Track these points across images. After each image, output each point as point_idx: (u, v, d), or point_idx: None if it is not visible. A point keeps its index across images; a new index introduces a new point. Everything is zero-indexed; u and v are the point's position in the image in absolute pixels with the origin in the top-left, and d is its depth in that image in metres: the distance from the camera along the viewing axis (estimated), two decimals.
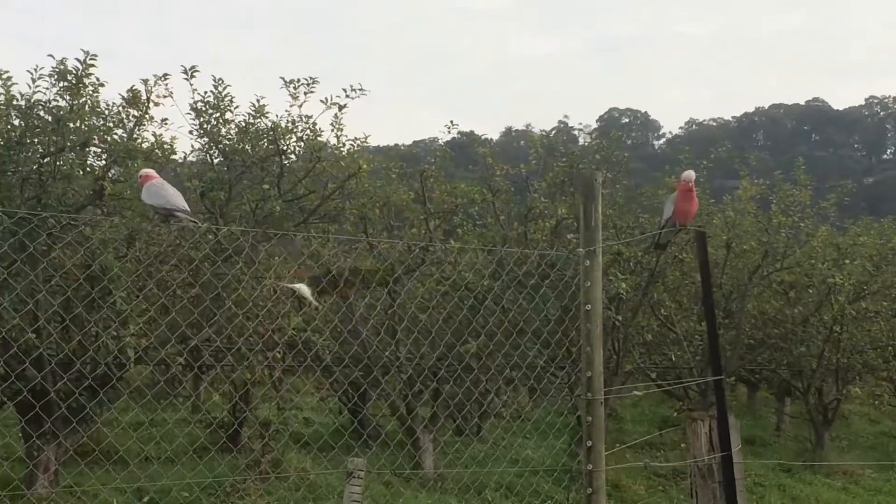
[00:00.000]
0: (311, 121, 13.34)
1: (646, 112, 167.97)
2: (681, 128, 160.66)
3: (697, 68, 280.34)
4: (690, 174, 7.58)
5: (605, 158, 16.21)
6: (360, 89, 13.17)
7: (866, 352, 19.72)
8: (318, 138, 13.63)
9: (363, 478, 6.40)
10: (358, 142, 14.29)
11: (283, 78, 12.90)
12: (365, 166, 13.60)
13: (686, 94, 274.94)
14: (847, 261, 18.58)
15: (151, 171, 8.05)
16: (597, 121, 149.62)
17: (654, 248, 13.38)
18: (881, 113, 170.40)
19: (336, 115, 13.31)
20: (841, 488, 16.78)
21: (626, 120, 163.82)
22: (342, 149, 14.04)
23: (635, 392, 7.20)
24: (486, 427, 17.80)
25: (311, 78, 13.05)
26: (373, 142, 15.44)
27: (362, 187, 14.10)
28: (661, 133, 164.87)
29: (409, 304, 14.16)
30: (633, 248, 15.91)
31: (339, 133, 13.73)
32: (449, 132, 16.46)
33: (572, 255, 8.47)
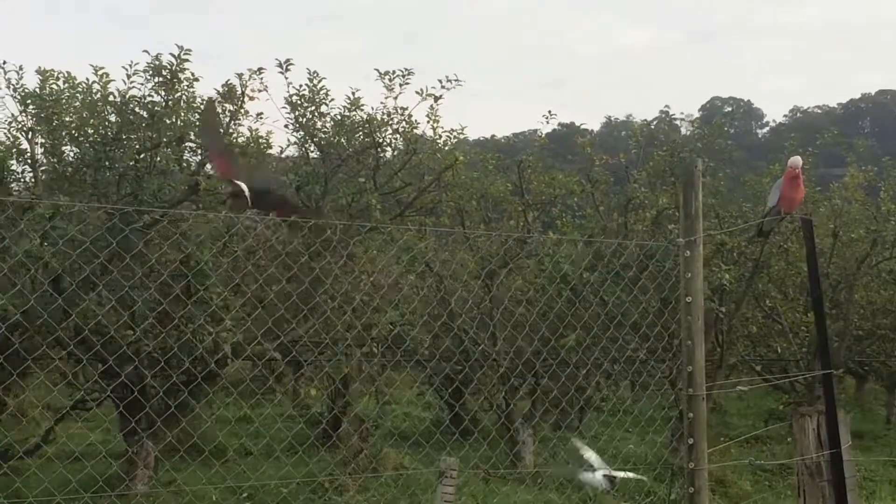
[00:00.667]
0: (406, 113, 13.24)
1: (748, 100, 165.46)
2: (785, 116, 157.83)
3: (801, 56, 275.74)
4: (797, 160, 7.27)
5: (707, 146, 15.84)
6: (455, 80, 13.04)
7: None
8: (414, 130, 13.52)
9: (456, 477, 6.25)
10: (455, 133, 14.17)
11: (377, 70, 12.80)
12: (462, 158, 13.43)
13: (790, 82, 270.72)
14: None
15: None
16: (699, 110, 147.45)
17: (757, 237, 12.98)
18: None
19: (432, 106, 13.18)
20: None
21: (729, 109, 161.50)
22: (438, 141, 13.94)
23: (740, 387, 6.92)
24: (584, 422, 17.55)
25: (406, 69, 12.93)
26: (471, 134, 15.31)
27: (459, 179, 13.95)
28: (764, 121, 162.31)
29: (505, 298, 13.98)
30: (737, 237, 15.55)
31: (435, 125, 13.62)
32: (547, 122, 16.16)
33: (672, 246, 8.21)
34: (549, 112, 15.67)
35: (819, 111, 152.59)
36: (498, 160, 15.49)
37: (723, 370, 16.88)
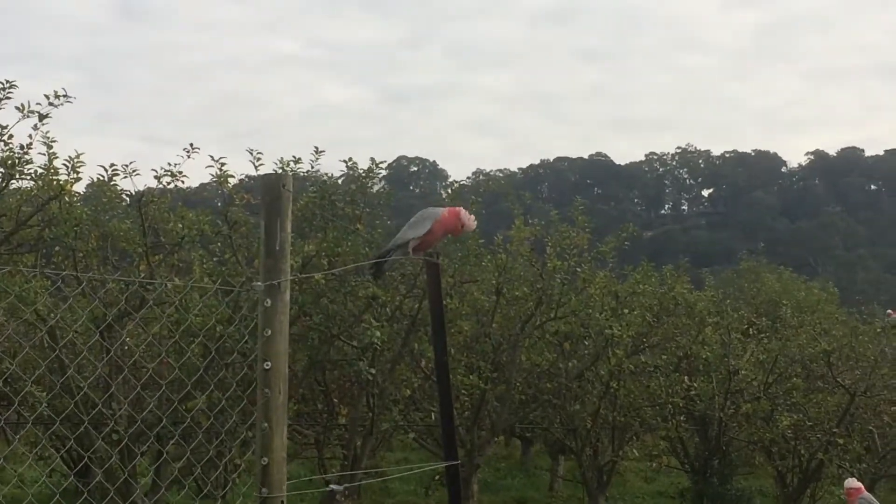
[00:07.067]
0: (6, 132, 11.31)
1: (434, 161, 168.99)
2: (468, 178, 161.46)
3: (488, 120, 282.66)
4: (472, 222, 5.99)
5: (361, 189, 14.24)
6: (64, 96, 11.22)
7: (644, 409, 18.27)
8: (26, 155, 11.56)
9: None
10: (73, 161, 12.21)
11: None
12: (70, 188, 11.51)
13: (476, 145, 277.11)
14: (626, 310, 17.14)
15: None
16: (385, 168, 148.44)
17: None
18: (660, 169, 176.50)
19: (36, 125, 11.29)
20: None
21: (415, 168, 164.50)
22: (52, 168, 11.95)
23: (333, 486, 5.30)
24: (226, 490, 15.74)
25: (7, 81, 11.10)
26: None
27: (72, 214, 11.93)
28: (448, 182, 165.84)
29: (129, 352, 12.10)
30: (393, 291, 14.18)
31: (49, 149, 11.69)
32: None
33: (245, 292, 6.54)
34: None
35: (501, 175, 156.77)
36: (118, 194, 13.30)
37: (374, 437, 15.39)
